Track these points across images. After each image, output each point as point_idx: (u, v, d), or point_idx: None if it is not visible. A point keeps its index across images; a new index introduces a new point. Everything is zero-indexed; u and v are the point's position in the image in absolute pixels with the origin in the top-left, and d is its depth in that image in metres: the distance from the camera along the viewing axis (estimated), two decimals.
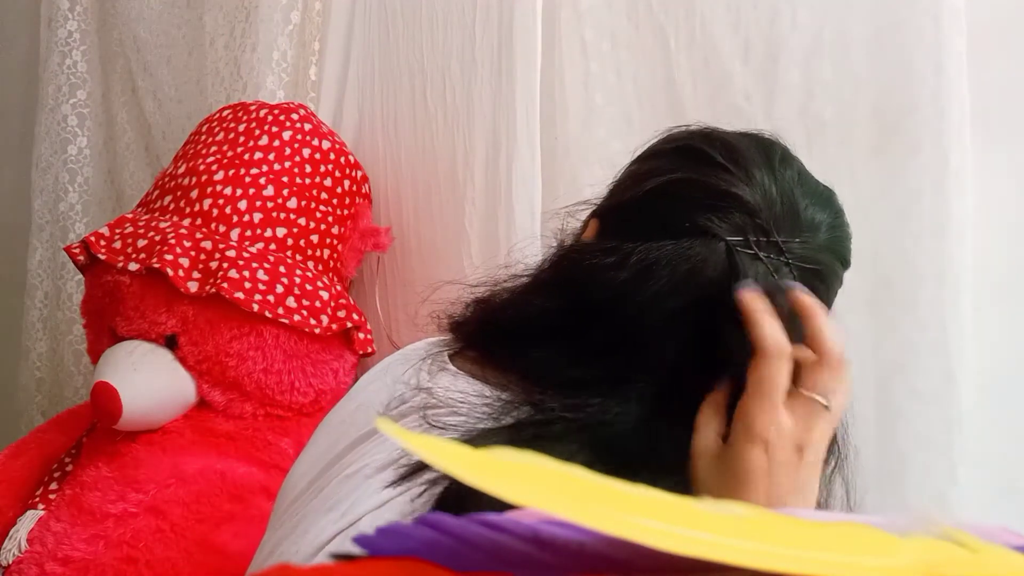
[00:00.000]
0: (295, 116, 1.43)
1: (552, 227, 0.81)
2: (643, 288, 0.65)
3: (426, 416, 0.68)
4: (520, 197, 1.29)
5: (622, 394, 0.64)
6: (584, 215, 0.78)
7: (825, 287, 0.69)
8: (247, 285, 1.24)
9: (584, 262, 0.69)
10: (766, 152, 0.70)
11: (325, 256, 1.38)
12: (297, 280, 1.30)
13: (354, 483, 0.67)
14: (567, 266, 0.71)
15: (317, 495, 0.70)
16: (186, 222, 1.31)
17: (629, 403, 0.64)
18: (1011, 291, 1.07)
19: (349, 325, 1.33)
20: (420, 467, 0.62)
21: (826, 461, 0.69)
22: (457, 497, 0.59)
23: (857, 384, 0.67)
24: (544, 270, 0.74)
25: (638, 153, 0.76)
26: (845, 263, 0.73)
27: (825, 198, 0.71)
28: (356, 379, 1.37)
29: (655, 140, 0.76)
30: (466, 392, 0.69)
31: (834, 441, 0.69)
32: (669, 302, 0.65)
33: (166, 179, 1.40)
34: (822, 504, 0.70)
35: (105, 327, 1.34)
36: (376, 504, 0.64)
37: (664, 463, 0.63)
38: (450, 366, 0.73)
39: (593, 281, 0.67)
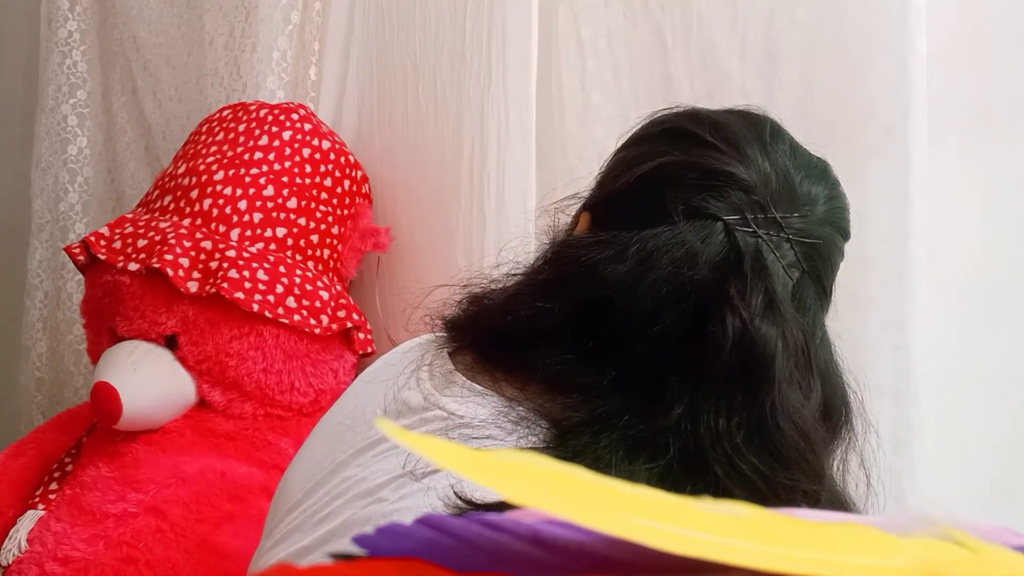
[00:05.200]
0: (295, 116, 1.43)
1: (543, 224, 0.79)
2: (645, 278, 0.63)
3: (448, 434, 0.66)
4: (513, 196, 1.28)
5: (645, 392, 0.63)
6: (574, 209, 0.76)
7: (825, 261, 0.68)
8: (247, 285, 1.24)
9: (581, 257, 0.67)
10: (756, 128, 0.69)
11: (325, 256, 1.38)
12: (297, 280, 1.30)
13: (345, 500, 0.67)
14: (564, 263, 0.69)
15: (311, 510, 0.69)
16: (186, 222, 1.31)
17: (655, 402, 0.62)
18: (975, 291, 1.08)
19: (349, 325, 1.33)
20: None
21: (840, 437, 0.67)
22: None
23: None
24: (540, 268, 0.72)
25: (624, 140, 0.75)
26: (845, 235, 0.71)
27: (820, 170, 0.70)
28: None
29: (640, 125, 0.74)
30: (481, 405, 0.67)
31: (847, 415, 0.68)
32: (671, 289, 0.63)
33: (166, 179, 1.40)
34: (838, 481, 0.68)
35: (105, 327, 1.34)
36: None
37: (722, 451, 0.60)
38: (457, 376, 0.70)
39: (593, 276, 0.65)
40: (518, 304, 0.70)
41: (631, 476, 0.59)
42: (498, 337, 0.70)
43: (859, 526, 0.30)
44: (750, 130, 0.69)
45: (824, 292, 0.70)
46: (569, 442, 0.62)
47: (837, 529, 0.31)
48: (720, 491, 0.60)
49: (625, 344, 0.64)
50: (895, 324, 1.03)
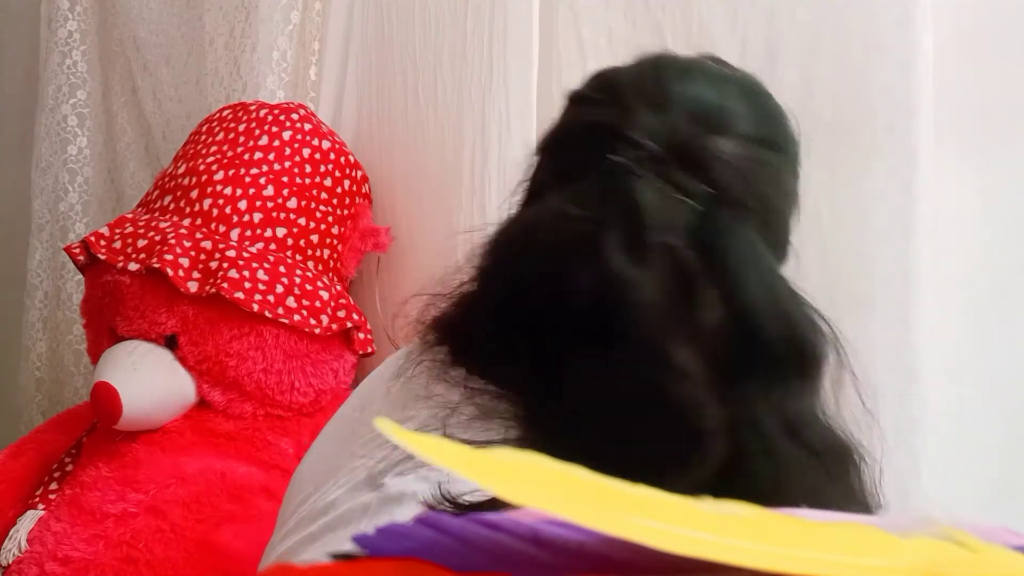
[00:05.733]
0: (295, 116, 1.43)
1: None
2: (526, 252, 0.63)
3: (437, 423, 0.66)
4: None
5: (551, 371, 0.60)
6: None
7: (748, 182, 0.62)
8: (247, 285, 1.24)
9: (489, 244, 0.67)
10: (643, 68, 0.67)
11: (325, 256, 1.38)
12: (297, 280, 1.30)
13: (347, 489, 0.67)
14: (482, 253, 0.69)
15: (319, 501, 0.69)
16: (186, 222, 1.31)
17: (559, 380, 0.59)
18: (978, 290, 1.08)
19: (349, 325, 1.33)
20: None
21: (797, 368, 0.61)
22: None
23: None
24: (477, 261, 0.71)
25: None
26: (776, 148, 0.66)
27: (741, 90, 0.66)
28: (356, 379, 1.37)
29: None
30: (456, 399, 0.67)
31: (807, 344, 0.61)
32: (544, 256, 0.61)
33: (166, 179, 1.40)
34: (831, 409, 0.63)
35: (105, 327, 1.34)
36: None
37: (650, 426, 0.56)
38: (446, 371, 0.70)
39: (494, 261, 0.66)
40: (461, 299, 0.70)
41: (579, 463, 0.57)
42: (456, 332, 0.70)
43: (859, 526, 0.30)
44: (635, 74, 0.66)
45: (755, 213, 0.62)
46: (529, 435, 0.61)
47: (837, 529, 0.31)
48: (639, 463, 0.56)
49: (530, 325, 0.63)
50: (898, 323, 1.03)
